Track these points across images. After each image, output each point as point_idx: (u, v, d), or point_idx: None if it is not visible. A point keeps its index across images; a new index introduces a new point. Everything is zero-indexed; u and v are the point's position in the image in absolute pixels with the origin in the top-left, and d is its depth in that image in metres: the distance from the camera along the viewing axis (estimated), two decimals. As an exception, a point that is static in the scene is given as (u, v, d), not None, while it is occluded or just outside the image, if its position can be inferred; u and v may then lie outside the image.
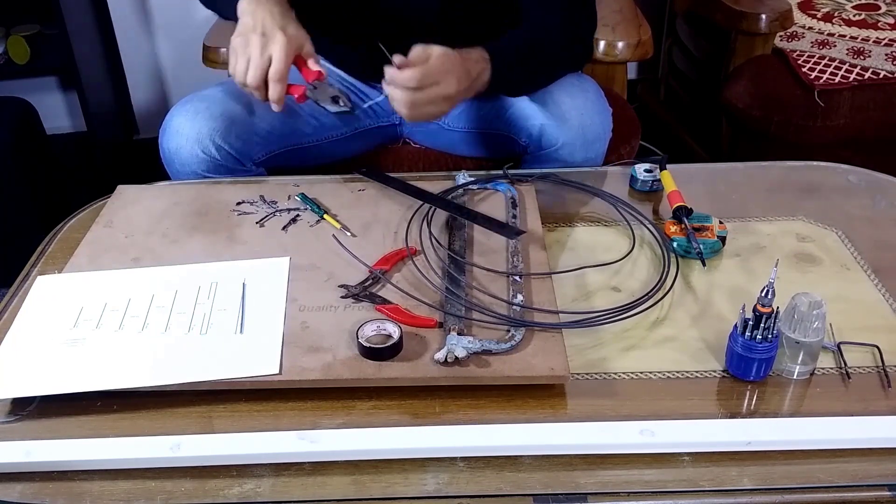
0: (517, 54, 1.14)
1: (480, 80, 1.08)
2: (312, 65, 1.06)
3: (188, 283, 0.95)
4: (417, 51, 1.01)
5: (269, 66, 1.02)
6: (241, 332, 0.87)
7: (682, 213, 1.04)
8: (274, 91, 1.03)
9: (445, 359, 0.80)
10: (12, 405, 0.81)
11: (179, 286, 0.94)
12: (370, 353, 0.82)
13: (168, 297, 0.92)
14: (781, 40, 1.85)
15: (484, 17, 1.20)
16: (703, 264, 0.98)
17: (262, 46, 1.02)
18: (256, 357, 0.83)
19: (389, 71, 1.00)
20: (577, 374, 0.83)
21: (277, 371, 0.81)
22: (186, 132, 1.17)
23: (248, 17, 1.04)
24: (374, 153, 1.38)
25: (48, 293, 0.94)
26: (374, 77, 1.16)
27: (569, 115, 1.19)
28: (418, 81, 0.99)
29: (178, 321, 0.89)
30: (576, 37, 1.22)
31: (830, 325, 0.87)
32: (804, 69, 1.74)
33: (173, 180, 1.21)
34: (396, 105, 1.03)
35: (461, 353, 0.80)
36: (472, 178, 1.14)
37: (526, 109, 1.23)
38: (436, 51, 1.01)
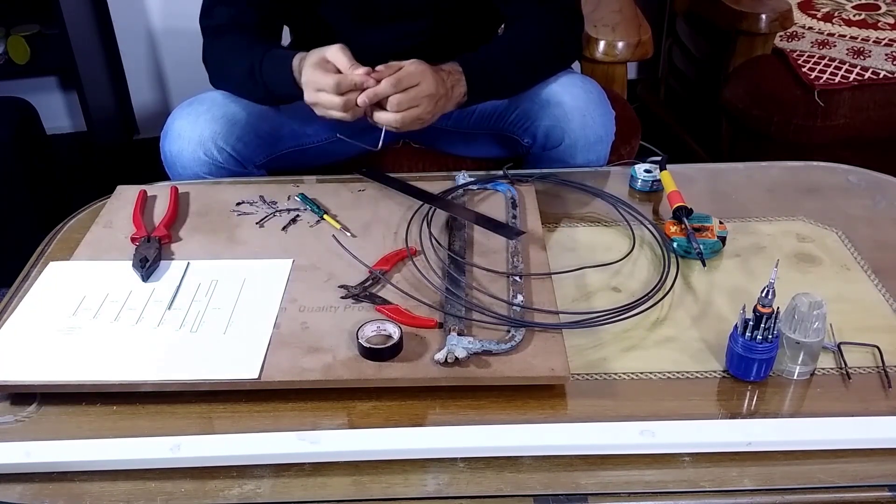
0: (491, 63, 1.17)
1: (457, 91, 1.12)
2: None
3: (190, 279, 0.95)
4: (387, 65, 1.06)
5: (334, 93, 1.04)
6: (227, 332, 0.87)
7: (682, 214, 1.04)
8: (352, 103, 1.05)
9: (445, 359, 0.80)
10: (12, 405, 0.81)
11: (181, 281, 0.94)
12: (370, 353, 0.82)
13: (168, 292, 0.92)
14: (781, 40, 1.85)
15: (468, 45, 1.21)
16: (703, 264, 0.98)
17: (315, 91, 1.06)
18: (238, 359, 0.82)
19: (368, 93, 1.03)
20: (578, 374, 0.83)
21: (257, 376, 0.80)
22: (188, 135, 1.17)
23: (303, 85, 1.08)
24: (375, 153, 1.38)
25: (57, 279, 0.95)
26: None
27: (571, 116, 1.19)
28: (396, 84, 1.03)
29: (172, 317, 0.89)
30: (559, 39, 1.23)
31: (830, 325, 0.87)
32: (804, 69, 1.74)
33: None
34: (387, 117, 1.06)
35: (461, 354, 0.80)
36: (472, 179, 1.14)
37: (528, 111, 1.23)
38: (406, 62, 1.06)
